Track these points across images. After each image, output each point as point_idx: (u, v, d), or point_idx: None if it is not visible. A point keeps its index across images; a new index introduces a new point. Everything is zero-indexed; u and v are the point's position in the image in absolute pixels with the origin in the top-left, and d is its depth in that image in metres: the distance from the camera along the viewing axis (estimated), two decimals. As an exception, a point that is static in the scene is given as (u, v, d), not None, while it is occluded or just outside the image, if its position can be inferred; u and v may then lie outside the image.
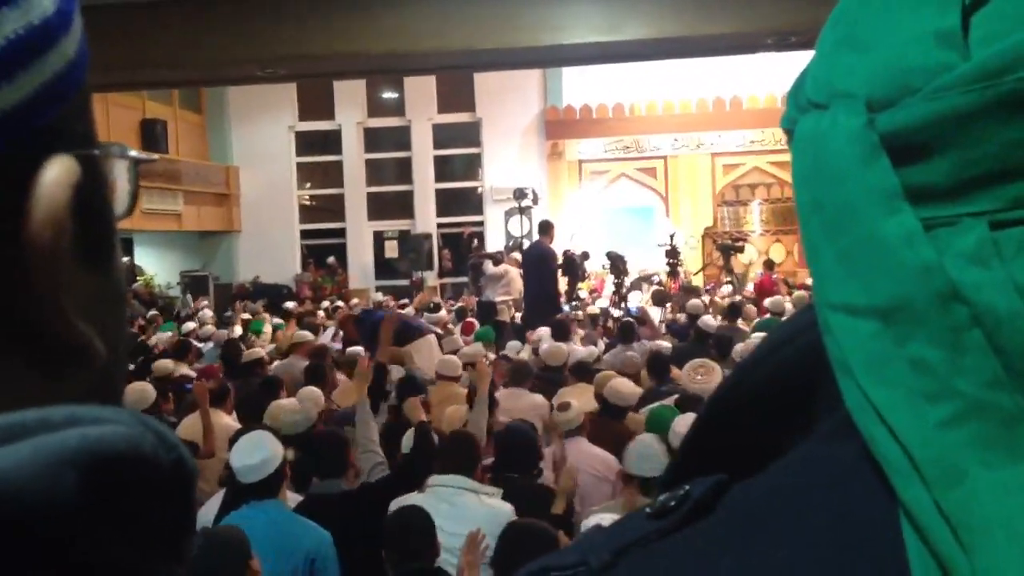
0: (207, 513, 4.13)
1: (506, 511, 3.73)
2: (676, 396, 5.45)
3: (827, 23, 0.45)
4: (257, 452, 3.76)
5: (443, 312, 11.26)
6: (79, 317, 0.37)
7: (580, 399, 5.41)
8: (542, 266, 10.87)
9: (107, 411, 0.34)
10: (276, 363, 8.22)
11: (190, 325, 11.44)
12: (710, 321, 8.60)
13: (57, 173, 0.36)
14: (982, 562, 0.33)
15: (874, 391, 0.37)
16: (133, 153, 0.45)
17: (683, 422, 4.13)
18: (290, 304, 12.17)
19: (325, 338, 9.61)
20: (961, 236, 0.36)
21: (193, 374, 7.39)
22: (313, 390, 5.89)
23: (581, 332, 9.34)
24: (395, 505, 3.67)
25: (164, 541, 0.34)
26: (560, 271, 12.18)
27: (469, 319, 10.81)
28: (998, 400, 0.34)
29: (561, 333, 8.34)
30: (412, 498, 3.76)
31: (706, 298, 11.51)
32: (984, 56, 0.36)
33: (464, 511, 3.69)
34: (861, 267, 0.38)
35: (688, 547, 0.43)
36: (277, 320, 11.39)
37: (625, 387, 5.58)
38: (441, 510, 3.56)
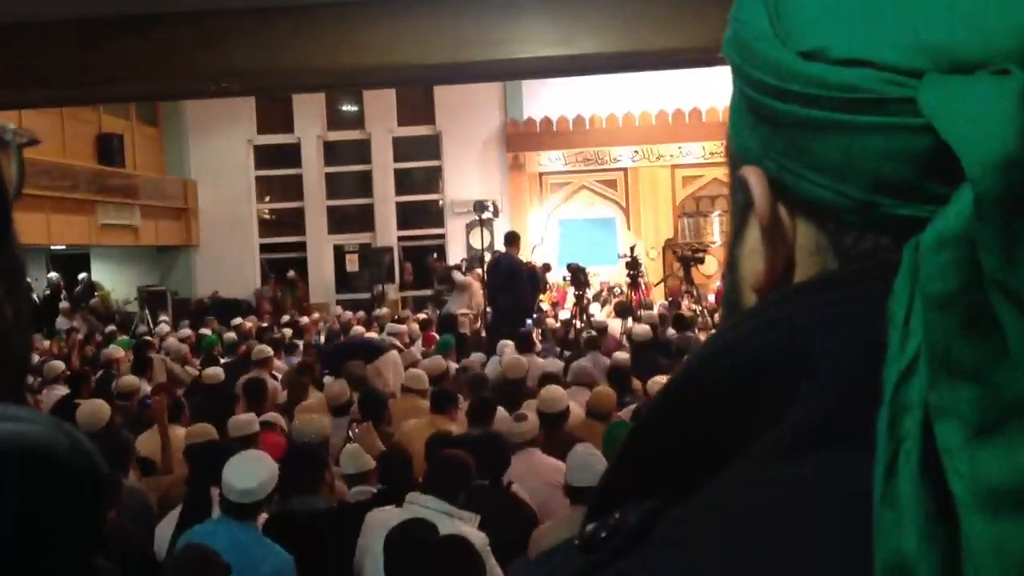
0: (163, 530, 4.07)
1: (477, 539, 3.51)
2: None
3: None
4: (255, 476, 3.67)
5: (405, 325, 11.22)
6: None
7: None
8: (513, 279, 10.45)
9: (25, 411, 0.33)
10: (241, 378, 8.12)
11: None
12: (638, 329, 8.73)
13: None
14: None
15: None
16: (11, 127, 0.44)
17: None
18: (237, 320, 12.06)
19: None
20: None
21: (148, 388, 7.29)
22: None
23: (539, 345, 9.34)
24: (374, 519, 3.69)
25: (75, 538, 0.34)
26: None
27: (431, 332, 10.81)
28: None
29: (525, 346, 8.35)
30: (389, 512, 3.74)
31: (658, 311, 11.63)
32: None
33: None
34: None
35: None
36: (230, 335, 11.21)
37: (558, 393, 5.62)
38: None
